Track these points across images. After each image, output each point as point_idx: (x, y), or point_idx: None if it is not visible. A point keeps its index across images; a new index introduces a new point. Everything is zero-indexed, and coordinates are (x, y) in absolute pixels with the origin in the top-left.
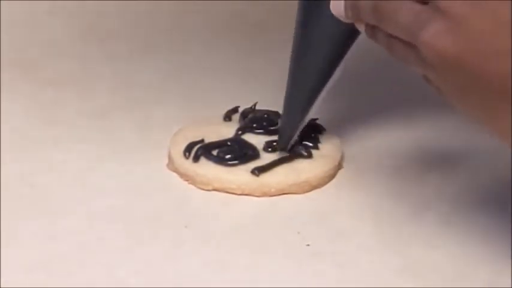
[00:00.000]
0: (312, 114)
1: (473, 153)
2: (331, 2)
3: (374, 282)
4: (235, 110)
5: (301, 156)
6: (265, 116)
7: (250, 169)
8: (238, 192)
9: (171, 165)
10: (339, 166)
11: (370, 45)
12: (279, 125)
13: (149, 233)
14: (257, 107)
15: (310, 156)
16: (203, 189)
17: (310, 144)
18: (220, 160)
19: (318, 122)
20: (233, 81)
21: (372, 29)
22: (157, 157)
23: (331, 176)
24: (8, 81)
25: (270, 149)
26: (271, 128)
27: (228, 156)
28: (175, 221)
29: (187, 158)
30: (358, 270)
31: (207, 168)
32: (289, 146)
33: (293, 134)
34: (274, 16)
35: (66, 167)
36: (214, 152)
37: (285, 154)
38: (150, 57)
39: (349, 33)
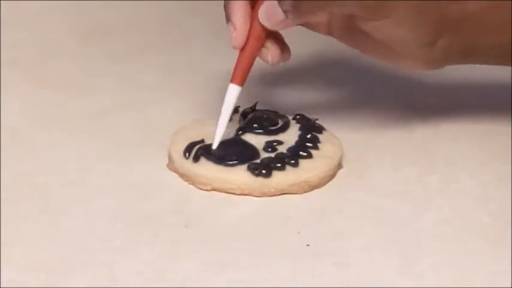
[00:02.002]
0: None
1: (473, 153)
2: (264, 11)
3: (374, 282)
4: (235, 110)
5: (301, 156)
6: (265, 116)
7: (250, 169)
8: (238, 192)
9: (171, 165)
10: (339, 166)
11: None
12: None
13: (149, 233)
14: (257, 107)
15: (310, 156)
16: (203, 189)
17: (310, 144)
18: (220, 160)
19: (318, 122)
20: None
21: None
22: (157, 157)
23: (331, 176)
24: (8, 81)
25: (270, 149)
26: (271, 128)
27: (228, 157)
28: (175, 221)
29: (187, 158)
30: (358, 270)
31: (207, 168)
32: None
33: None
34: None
35: (66, 167)
36: (214, 152)
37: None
38: (150, 57)
39: None
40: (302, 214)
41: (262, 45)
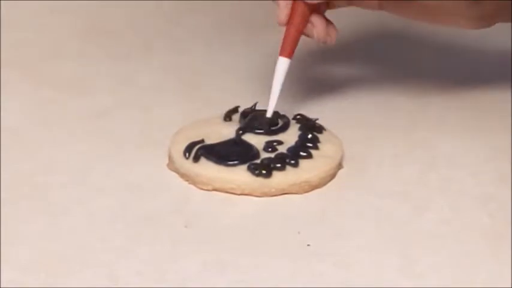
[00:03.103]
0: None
1: (473, 151)
2: None
3: (374, 282)
4: (235, 110)
5: (301, 156)
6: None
7: (250, 169)
8: (238, 192)
9: (171, 165)
10: (339, 166)
11: (371, 46)
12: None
13: (149, 233)
14: (257, 107)
15: (310, 156)
16: (203, 189)
17: (310, 144)
18: (220, 160)
19: (318, 122)
20: (233, 81)
21: None
22: (157, 157)
23: (332, 176)
24: (8, 81)
25: (270, 149)
26: (272, 128)
27: (228, 157)
28: (175, 221)
29: (187, 158)
30: (358, 270)
31: (207, 168)
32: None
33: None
34: (274, 16)
35: (66, 167)
36: (215, 152)
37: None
38: (150, 57)
39: None
40: (302, 214)
41: (307, 20)
